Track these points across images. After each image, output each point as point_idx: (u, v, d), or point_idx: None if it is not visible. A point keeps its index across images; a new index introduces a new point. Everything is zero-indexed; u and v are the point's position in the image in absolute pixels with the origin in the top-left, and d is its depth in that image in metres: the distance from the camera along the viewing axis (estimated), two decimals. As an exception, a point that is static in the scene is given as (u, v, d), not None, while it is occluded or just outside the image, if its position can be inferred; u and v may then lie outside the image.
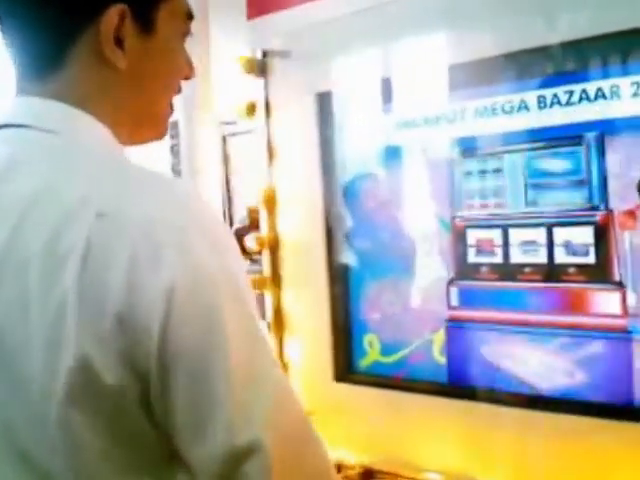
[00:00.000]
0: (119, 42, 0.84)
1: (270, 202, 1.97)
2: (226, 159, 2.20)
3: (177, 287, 0.72)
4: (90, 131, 0.85)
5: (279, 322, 1.98)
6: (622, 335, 1.44)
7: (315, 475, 0.78)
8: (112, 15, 0.83)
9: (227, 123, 2.13)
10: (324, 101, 1.87)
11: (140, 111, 0.90)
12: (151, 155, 2.25)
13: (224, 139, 2.20)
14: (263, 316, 2.00)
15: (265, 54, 1.97)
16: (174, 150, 2.27)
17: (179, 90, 0.96)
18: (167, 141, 2.23)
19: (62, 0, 0.83)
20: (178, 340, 0.72)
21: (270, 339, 1.98)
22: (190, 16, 0.93)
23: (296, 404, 0.79)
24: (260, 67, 1.97)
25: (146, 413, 0.75)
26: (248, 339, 0.76)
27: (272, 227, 1.98)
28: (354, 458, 1.80)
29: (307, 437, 0.79)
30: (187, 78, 0.96)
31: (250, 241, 2.03)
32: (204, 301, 0.74)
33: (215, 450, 0.72)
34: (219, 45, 2.14)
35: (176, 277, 0.72)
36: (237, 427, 0.72)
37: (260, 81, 1.98)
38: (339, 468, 1.78)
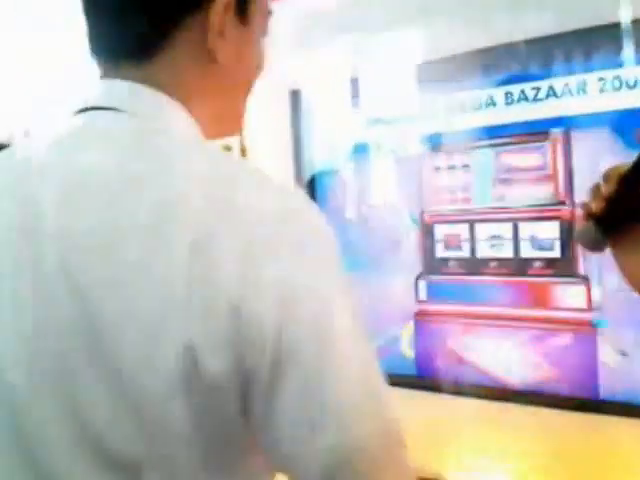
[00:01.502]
0: (221, 32, 0.79)
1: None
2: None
3: (294, 281, 0.68)
4: (178, 119, 0.80)
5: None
6: (587, 328, 1.41)
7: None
8: (220, 5, 0.79)
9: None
10: (296, 99, 1.84)
11: (224, 106, 0.86)
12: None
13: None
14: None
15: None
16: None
17: (252, 89, 0.91)
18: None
19: None
20: (294, 339, 0.67)
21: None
22: (270, 13, 0.90)
23: (392, 408, 0.74)
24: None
25: (240, 409, 0.70)
26: (358, 339, 0.72)
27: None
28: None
29: (402, 441, 0.76)
30: (259, 74, 0.91)
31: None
32: (320, 296, 0.69)
33: (323, 449, 0.68)
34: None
35: (293, 270, 0.68)
36: (347, 427, 0.68)
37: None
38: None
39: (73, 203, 0.72)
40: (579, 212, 1.40)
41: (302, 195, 0.75)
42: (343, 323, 0.70)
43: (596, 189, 0.77)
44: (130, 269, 0.67)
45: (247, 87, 0.88)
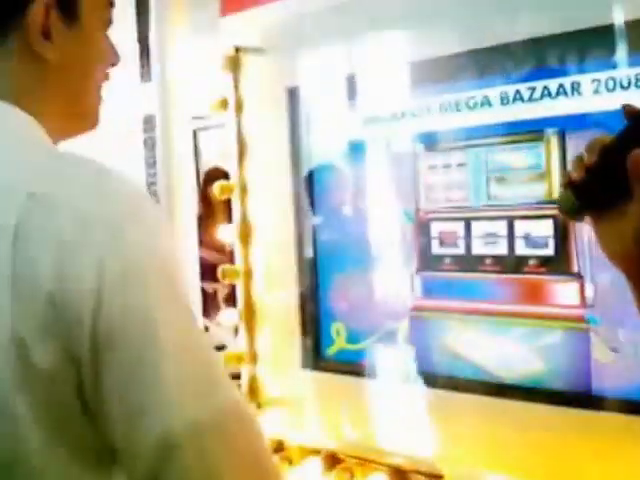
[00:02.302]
0: (47, 34, 0.81)
1: (241, 195, 1.94)
2: (197, 153, 2.16)
3: (107, 266, 0.68)
4: (19, 122, 0.81)
5: (250, 311, 1.95)
6: (580, 325, 1.41)
7: (248, 459, 0.74)
8: (38, 8, 0.80)
9: (198, 118, 2.10)
10: (294, 96, 1.84)
11: (71, 102, 0.87)
12: (124, 149, 2.22)
13: (195, 133, 2.16)
14: (234, 305, 1.97)
15: (238, 50, 1.94)
16: (147, 144, 2.23)
17: (107, 78, 0.92)
18: (140, 135, 2.19)
19: None
20: (109, 323, 0.68)
21: (242, 330, 1.95)
22: (111, 4, 0.90)
23: (225, 388, 0.75)
24: (233, 63, 1.94)
25: (82, 403, 0.70)
26: (182, 330, 0.72)
27: (243, 220, 1.95)
28: (321, 443, 1.76)
29: (240, 419, 0.74)
30: (113, 65, 0.93)
31: (222, 233, 2.01)
32: (136, 283, 0.70)
33: (147, 438, 0.68)
34: (193, 41, 2.10)
35: (105, 255, 0.69)
36: (169, 416, 0.68)
37: (232, 76, 1.94)
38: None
39: None
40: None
41: (126, 183, 0.76)
42: (163, 312, 0.70)
43: (579, 159, 0.77)
44: None
45: (93, 81, 0.89)
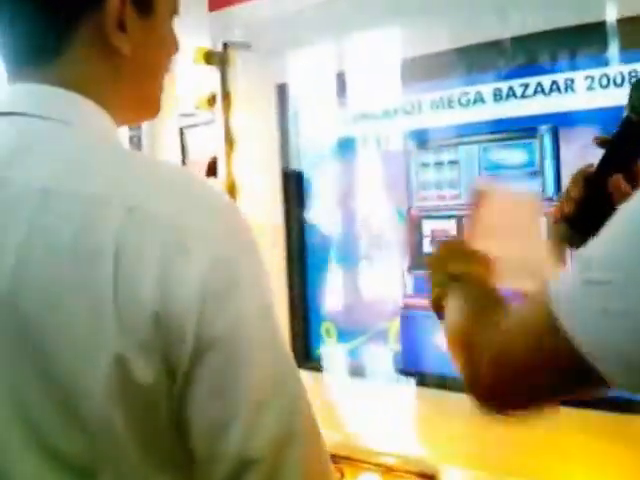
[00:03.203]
0: (121, 26, 0.79)
1: (230, 192, 1.91)
2: (184, 151, 2.14)
3: (209, 282, 0.68)
4: (97, 121, 0.80)
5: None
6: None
7: None
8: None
9: (186, 115, 2.07)
10: (283, 93, 1.82)
11: (140, 94, 0.86)
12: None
13: (181, 131, 2.13)
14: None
15: (226, 46, 1.92)
16: (133, 141, 2.21)
17: (170, 67, 0.91)
18: (126, 131, 2.16)
19: None
20: (210, 334, 0.68)
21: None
22: None
23: (310, 419, 0.76)
24: (221, 59, 1.91)
25: (172, 418, 0.71)
26: (271, 343, 0.73)
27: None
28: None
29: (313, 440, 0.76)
30: (174, 55, 0.91)
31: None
32: (234, 297, 0.70)
33: (226, 454, 0.69)
34: (181, 37, 2.07)
35: (207, 271, 0.68)
36: (250, 437, 0.69)
37: (220, 72, 1.92)
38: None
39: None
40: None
41: (213, 190, 0.77)
42: (262, 315, 0.72)
43: (566, 194, 0.81)
44: (63, 288, 0.69)
45: (161, 71, 0.88)
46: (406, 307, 1.65)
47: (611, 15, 1.32)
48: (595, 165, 0.80)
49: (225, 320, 0.69)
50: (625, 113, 0.83)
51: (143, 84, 0.85)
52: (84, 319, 0.68)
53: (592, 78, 1.35)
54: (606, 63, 1.34)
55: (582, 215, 0.80)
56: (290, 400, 0.73)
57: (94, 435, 0.70)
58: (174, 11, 0.88)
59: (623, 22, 1.31)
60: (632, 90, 0.85)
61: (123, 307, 0.67)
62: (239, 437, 0.69)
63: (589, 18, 1.33)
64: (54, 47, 0.79)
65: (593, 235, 0.75)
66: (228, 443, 0.69)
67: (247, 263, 0.73)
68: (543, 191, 1.43)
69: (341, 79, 1.72)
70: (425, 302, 1.62)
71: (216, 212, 0.73)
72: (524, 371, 0.74)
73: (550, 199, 1.42)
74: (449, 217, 1.57)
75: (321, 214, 1.81)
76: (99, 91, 0.80)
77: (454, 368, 0.85)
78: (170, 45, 0.89)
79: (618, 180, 0.76)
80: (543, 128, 1.42)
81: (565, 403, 1.37)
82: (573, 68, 1.38)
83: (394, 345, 1.67)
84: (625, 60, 1.33)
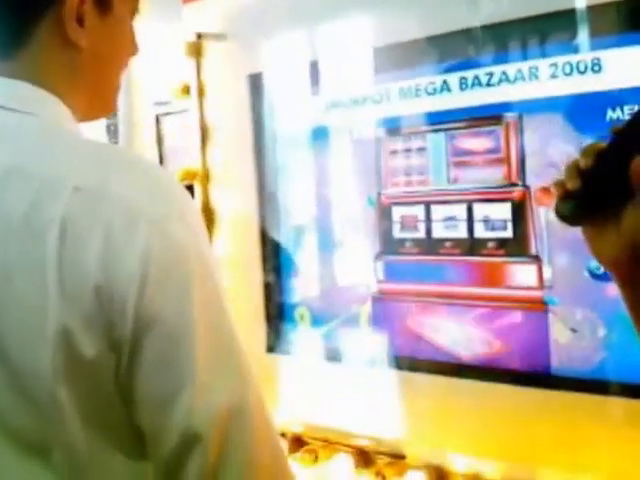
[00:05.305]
0: (80, 21, 0.82)
1: (205, 181, 1.91)
2: (160, 139, 2.14)
3: (152, 257, 0.69)
4: (54, 111, 0.82)
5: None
6: (538, 306, 1.41)
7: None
8: None
9: (161, 103, 2.07)
10: (256, 82, 1.82)
11: (97, 89, 0.88)
12: (88, 134, 2.18)
13: (157, 119, 2.13)
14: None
15: (200, 36, 1.91)
16: (110, 130, 2.20)
17: (126, 66, 0.94)
18: (103, 120, 2.16)
19: None
20: (152, 308, 0.69)
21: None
22: None
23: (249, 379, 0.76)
24: (195, 49, 1.91)
25: (119, 392, 0.72)
26: (216, 320, 0.74)
27: (206, 206, 1.93)
28: (285, 426, 1.75)
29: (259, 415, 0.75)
30: (133, 55, 0.94)
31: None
32: (178, 273, 0.71)
33: (171, 429, 0.70)
34: (155, 27, 2.06)
35: (151, 246, 0.70)
36: (195, 411, 0.70)
37: (195, 62, 1.91)
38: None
39: None
40: (532, 194, 1.40)
41: (172, 182, 0.78)
42: (206, 293, 0.72)
43: (573, 165, 0.74)
44: (14, 264, 0.70)
45: (116, 68, 0.90)
46: (377, 292, 1.66)
47: (577, 3, 1.32)
48: (610, 141, 0.73)
49: (167, 297, 0.70)
50: None
51: (98, 79, 0.87)
52: (31, 295, 0.69)
53: (556, 65, 1.36)
54: (570, 51, 1.34)
55: (590, 188, 0.73)
56: (235, 374, 0.73)
57: (44, 412, 0.71)
58: (135, 11, 0.90)
59: (588, 10, 1.32)
60: None
61: (67, 281, 0.68)
62: (183, 411, 0.69)
63: (554, 6, 1.33)
64: (16, 41, 0.80)
65: (602, 213, 0.73)
66: (172, 418, 0.69)
67: (192, 243, 0.73)
68: (508, 176, 1.44)
69: (314, 68, 1.72)
70: (396, 286, 1.64)
71: (163, 194, 0.74)
72: None
73: (514, 184, 1.43)
74: (418, 203, 1.57)
75: (295, 201, 1.81)
76: (57, 83, 0.82)
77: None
78: (128, 44, 0.91)
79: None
80: (508, 115, 1.43)
81: (537, 385, 1.40)
82: (537, 56, 1.38)
83: (366, 329, 1.68)
84: (589, 47, 1.33)
